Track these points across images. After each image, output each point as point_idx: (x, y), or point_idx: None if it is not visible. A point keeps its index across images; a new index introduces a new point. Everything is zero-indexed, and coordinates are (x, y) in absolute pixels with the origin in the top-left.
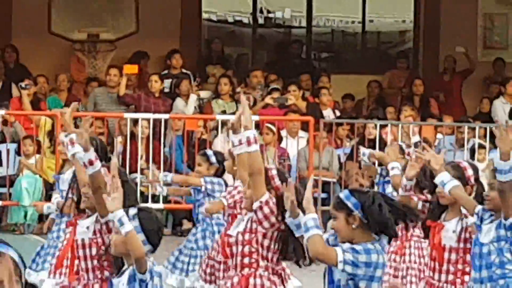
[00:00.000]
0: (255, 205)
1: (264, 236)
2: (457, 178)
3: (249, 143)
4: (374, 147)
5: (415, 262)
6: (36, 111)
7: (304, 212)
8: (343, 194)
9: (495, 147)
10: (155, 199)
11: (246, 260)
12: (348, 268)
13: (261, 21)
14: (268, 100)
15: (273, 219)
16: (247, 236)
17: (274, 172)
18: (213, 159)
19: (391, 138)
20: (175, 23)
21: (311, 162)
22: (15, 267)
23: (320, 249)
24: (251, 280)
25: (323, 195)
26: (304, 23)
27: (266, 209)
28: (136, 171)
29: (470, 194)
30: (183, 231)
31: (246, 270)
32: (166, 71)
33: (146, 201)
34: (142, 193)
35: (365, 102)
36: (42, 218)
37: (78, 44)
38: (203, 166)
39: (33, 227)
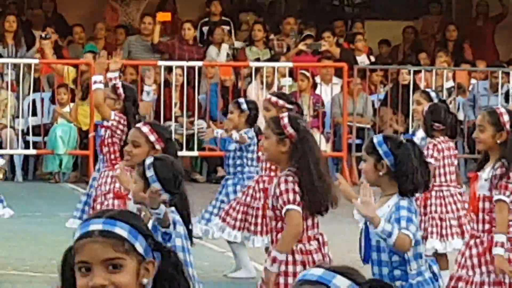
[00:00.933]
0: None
1: None
2: (492, 124)
3: None
4: (408, 93)
5: (435, 212)
6: (63, 59)
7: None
8: (376, 139)
9: None
10: (190, 146)
11: None
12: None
13: None
14: (301, 46)
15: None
16: None
17: (286, 120)
18: (244, 106)
19: (424, 84)
20: None
21: (345, 109)
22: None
23: (407, 246)
24: None
25: (358, 141)
26: None
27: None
28: (170, 119)
29: (505, 140)
30: (218, 178)
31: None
32: (206, 19)
33: (181, 149)
34: (176, 140)
35: (401, 48)
36: (76, 166)
37: None
38: (235, 114)
39: (68, 176)
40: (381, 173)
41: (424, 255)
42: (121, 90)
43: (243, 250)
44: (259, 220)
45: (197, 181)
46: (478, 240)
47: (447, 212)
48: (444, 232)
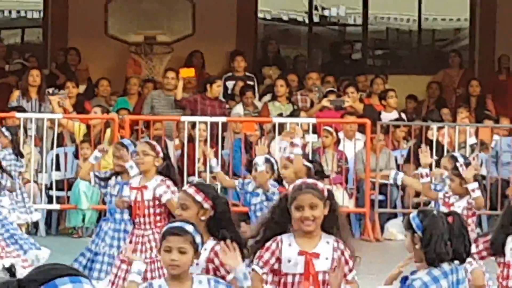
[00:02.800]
0: None
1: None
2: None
3: None
4: (431, 149)
5: None
6: (85, 114)
7: None
8: (412, 214)
9: None
10: None
11: None
12: None
13: (316, 19)
14: (324, 102)
15: None
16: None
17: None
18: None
19: (448, 140)
20: (232, 24)
21: (368, 164)
22: None
23: None
24: None
25: (380, 197)
26: (359, 21)
27: None
28: (193, 174)
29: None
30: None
31: None
32: (230, 73)
33: None
34: None
35: (425, 104)
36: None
37: (134, 47)
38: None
39: (91, 230)
40: (417, 247)
41: None
42: (159, 148)
43: None
44: None
45: None
46: None
47: None
48: None
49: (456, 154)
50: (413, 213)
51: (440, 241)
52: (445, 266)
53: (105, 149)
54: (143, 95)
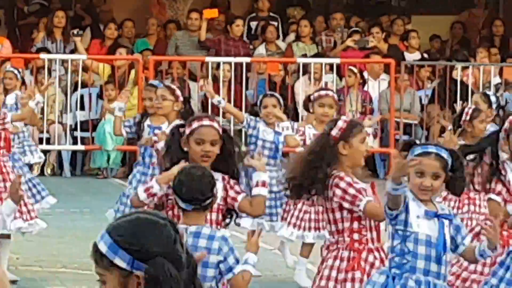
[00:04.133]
0: None
1: None
2: None
3: None
4: (456, 89)
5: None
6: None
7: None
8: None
9: None
10: None
11: None
12: None
13: None
14: (349, 42)
15: None
16: None
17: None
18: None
19: (472, 80)
20: None
21: (392, 105)
22: None
23: None
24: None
25: (405, 137)
26: None
27: None
28: (218, 115)
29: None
30: None
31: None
32: (254, 14)
33: None
34: None
35: (449, 43)
36: (124, 161)
37: None
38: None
39: (116, 171)
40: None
41: None
42: (178, 92)
43: None
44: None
45: None
46: None
47: None
48: None
49: (489, 92)
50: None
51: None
52: None
53: (128, 92)
54: (166, 36)
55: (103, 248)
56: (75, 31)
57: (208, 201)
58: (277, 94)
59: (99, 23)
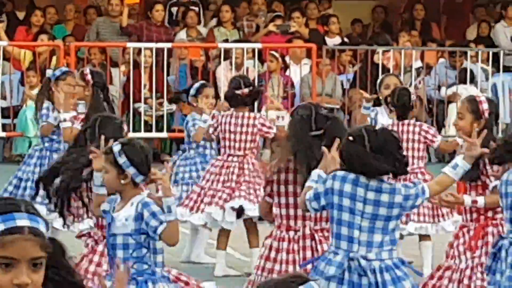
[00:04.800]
0: None
1: None
2: (471, 112)
3: None
4: (377, 73)
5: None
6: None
7: None
8: None
9: (498, 71)
10: (159, 127)
11: None
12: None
13: None
14: (271, 27)
15: None
16: None
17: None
18: None
19: (393, 63)
20: None
21: (314, 89)
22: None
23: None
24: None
25: None
26: None
27: None
28: (140, 101)
29: (483, 128)
30: None
31: None
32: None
33: (150, 130)
34: (146, 122)
35: (370, 28)
36: None
37: None
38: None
39: None
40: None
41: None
42: (89, 77)
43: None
44: None
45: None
46: (465, 229)
47: None
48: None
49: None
50: None
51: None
52: None
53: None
54: (86, 22)
55: None
56: None
57: None
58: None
59: (18, 9)
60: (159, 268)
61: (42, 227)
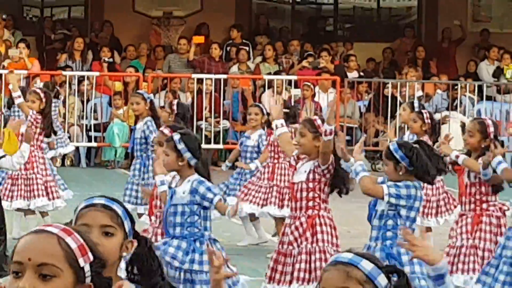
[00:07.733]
0: (324, 167)
1: (325, 184)
2: (480, 132)
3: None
4: (387, 100)
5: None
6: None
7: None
8: (392, 146)
9: (481, 99)
10: (216, 140)
11: (310, 204)
12: (392, 200)
13: None
14: (304, 63)
15: (332, 170)
16: (311, 185)
17: (319, 121)
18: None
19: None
20: (231, 2)
21: (338, 112)
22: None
23: (370, 185)
24: (316, 220)
25: (347, 138)
26: (331, 0)
27: (331, 167)
28: (201, 119)
29: (488, 146)
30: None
31: (310, 212)
32: (230, 41)
33: (209, 143)
34: (206, 136)
35: (381, 65)
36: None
37: (155, 20)
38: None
39: (121, 163)
40: (400, 173)
41: None
42: (174, 107)
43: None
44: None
45: (221, 168)
46: (464, 217)
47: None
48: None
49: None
50: (392, 145)
51: (426, 162)
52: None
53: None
54: (155, 58)
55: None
56: (106, 59)
57: None
58: (260, 104)
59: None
60: (207, 232)
61: (116, 208)
